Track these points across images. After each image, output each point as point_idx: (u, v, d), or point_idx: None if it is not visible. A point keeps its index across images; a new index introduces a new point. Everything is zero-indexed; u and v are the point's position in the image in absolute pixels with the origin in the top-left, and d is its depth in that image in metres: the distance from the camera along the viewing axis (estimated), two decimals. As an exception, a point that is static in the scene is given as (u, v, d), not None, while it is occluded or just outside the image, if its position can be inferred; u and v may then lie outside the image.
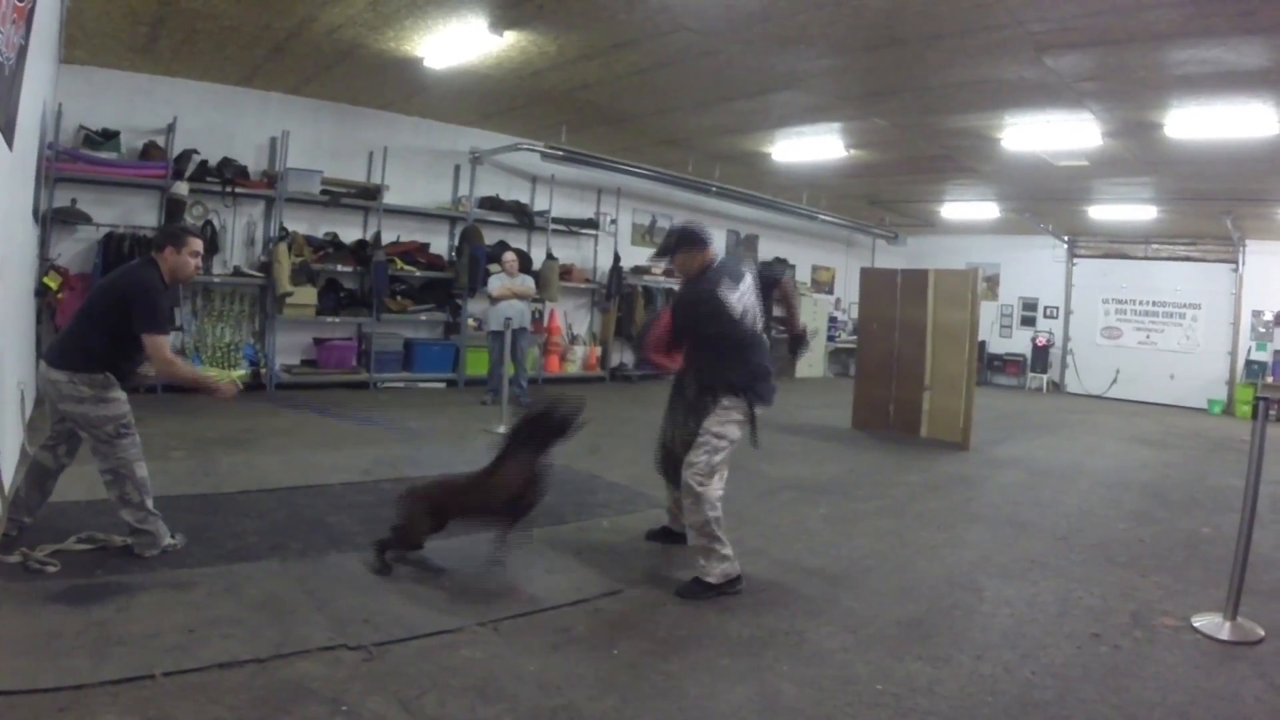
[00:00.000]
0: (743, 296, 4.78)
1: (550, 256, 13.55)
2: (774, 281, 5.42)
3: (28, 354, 7.69)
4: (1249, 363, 16.36)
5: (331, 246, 11.54)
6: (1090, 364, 18.65)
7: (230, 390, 4.89)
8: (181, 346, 9.96)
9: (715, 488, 4.62)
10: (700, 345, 4.88)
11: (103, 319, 4.41)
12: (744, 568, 5.03)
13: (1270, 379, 15.81)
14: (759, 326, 4.89)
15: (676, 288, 5.36)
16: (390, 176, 11.93)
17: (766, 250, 18.72)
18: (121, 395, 4.45)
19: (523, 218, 13.53)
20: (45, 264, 8.87)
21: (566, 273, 14.09)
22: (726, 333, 4.72)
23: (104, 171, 9.56)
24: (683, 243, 4.94)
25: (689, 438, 4.77)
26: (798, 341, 5.74)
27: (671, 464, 5.07)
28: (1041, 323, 19.49)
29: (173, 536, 4.55)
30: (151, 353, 4.43)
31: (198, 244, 4.69)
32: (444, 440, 8.49)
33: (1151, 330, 17.93)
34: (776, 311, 5.78)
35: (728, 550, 4.56)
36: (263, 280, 10.78)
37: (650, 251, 16.00)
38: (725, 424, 4.69)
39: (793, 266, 19.01)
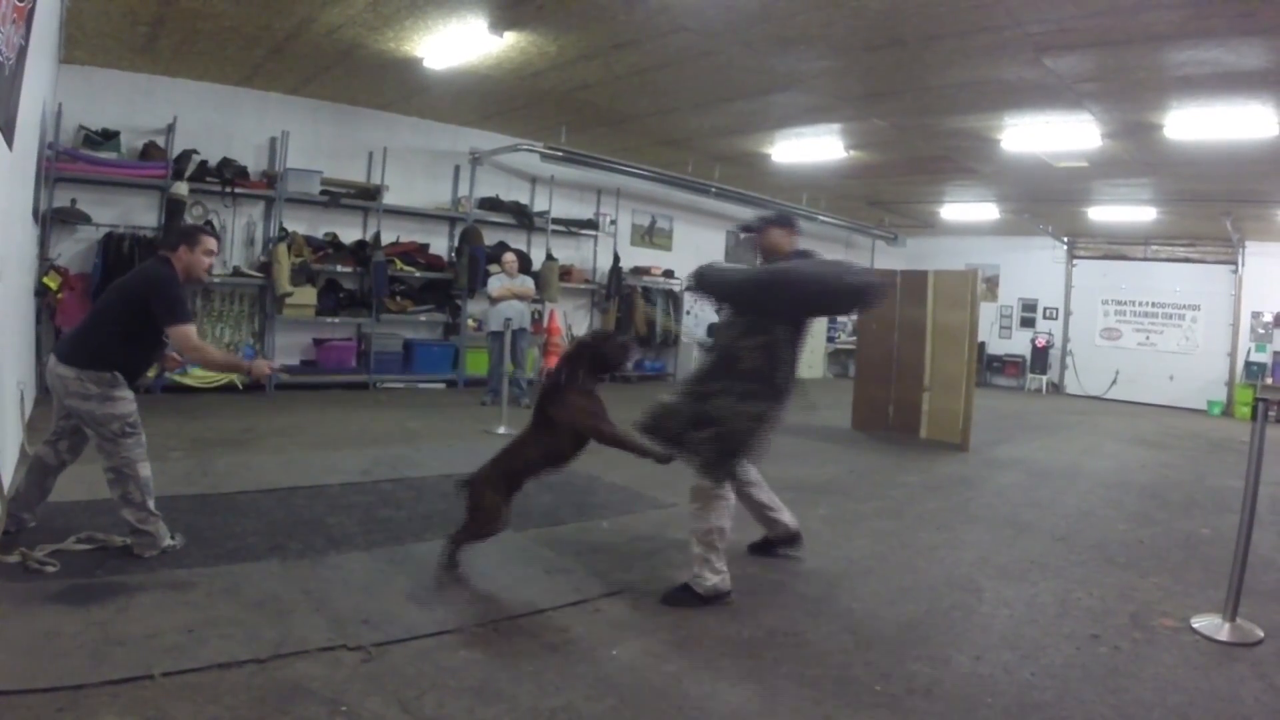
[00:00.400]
0: None
1: (550, 257, 13.56)
2: None
3: (27, 354, 7.70)
4: (1248, 364, 16.38)
5: (331, 247, 11.54)
6: (1090, 365, 18.67)
7: (265, 367, 4.92)
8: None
9: (731, 497, 4.56)
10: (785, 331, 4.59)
11: (117, 318, 4.43)
12: (744, 568, 5.04)
13: (1270, 380, 15.82)
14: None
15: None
16: (390, 177, 11.94)
17: (766, 251, 18.68)
18: (128, 394, 4.46)
19: (522, 218, 13.54)
20: (45, 264, 8.88)
21: (566, 273, 14.11)
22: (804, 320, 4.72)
23: (104, 171, 9.57)
24: (780, 221, 5.12)
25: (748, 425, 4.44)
26: None
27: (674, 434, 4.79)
28: (1041, 324, 19.52)
29: (172, 537, 4.55)
30: (180, 343, 4.48)
31: (212, 243, 4.73)
32: (444, 441, 8.48)
33: (1151, 331, 17.95)
34: None
35: (722, 565, 4.42)
36: (262, 280, 10.79)
37: (650, 252, 16.10)
38: (781, 411, 4.60)
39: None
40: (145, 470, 4.48)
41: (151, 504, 4.46)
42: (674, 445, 4.41)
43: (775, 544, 5.27)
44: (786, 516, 5.21)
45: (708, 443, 4.30)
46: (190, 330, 4.51)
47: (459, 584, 4.42)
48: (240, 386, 10.15)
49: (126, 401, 4.44)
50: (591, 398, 4.49)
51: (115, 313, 4.46)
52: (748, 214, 17.06)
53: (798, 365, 4.60)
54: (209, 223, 10.40)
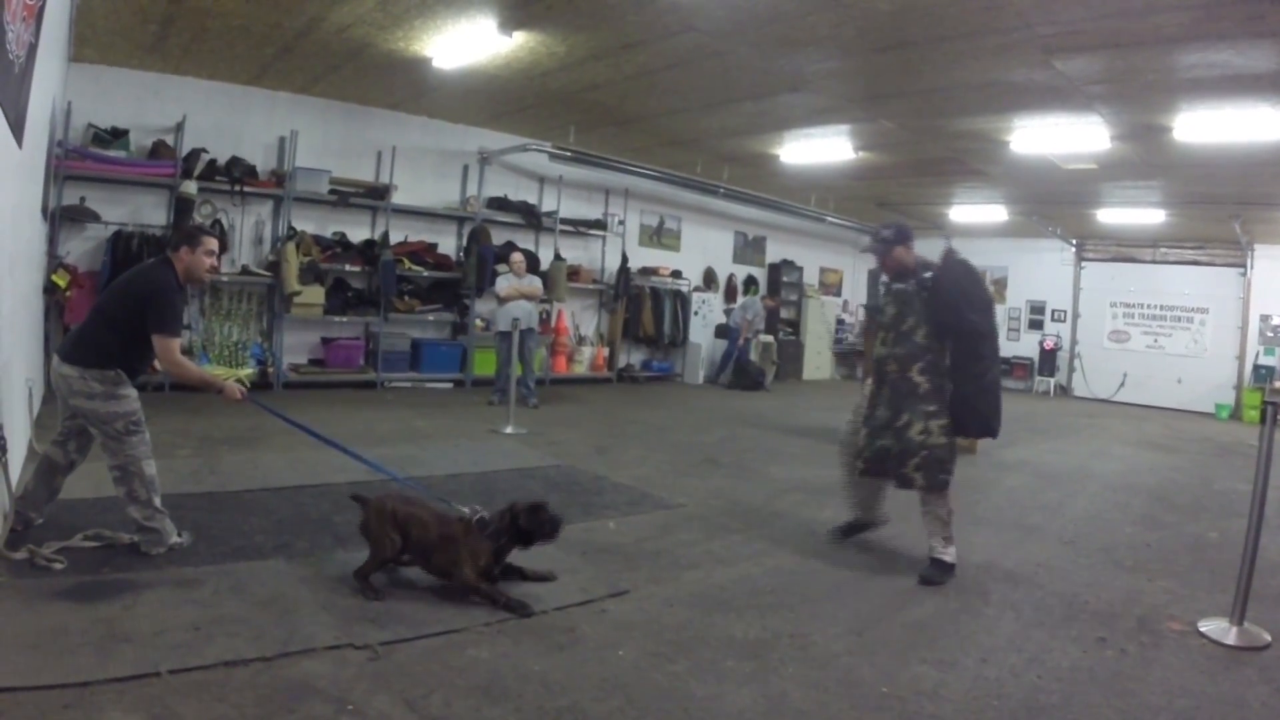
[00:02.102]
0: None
1: (558, 257, 13.57)
2: None
3: (36, 352, 7.72)
4: (1257, 367, 16.31)
5: (339, 246, 11.56)
6: (1098, 367, 18.60)
7: (236, 391, 4.88)
8: (189, 345, 9.96)
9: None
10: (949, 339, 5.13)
11: (117, 318, 4.44)
12: (749, 569, 5.05)
13: (1278, 383, 15.73)
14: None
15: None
16: (398, 176, 11.96)
17: (774, 252, 18.71)
18: (132, 393, 4.47)
19: (531, 218, 13.55)
20: (54, 262, 8.90)
21: (574, 273, 14.11)
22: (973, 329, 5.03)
23: (113, 170, 9.60)
24: (901, 238, 5.28)
25: (946, 439, 5.08)
26: None
27: (879, 461, 5.28)
28: (1049, 326, 19.47)
29: (179, 535, 4.56)
30: (161, 354, 4.45)
31: (213, 244, 4.73)
32: (451, 440, 8.49)
33: (1159, 334, 17.89)
34: None
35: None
36: (270, 279, 10.82)
37: (658, 252, 16.10)
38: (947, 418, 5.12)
39: (800, 268, 19.01)
40: (150, 468, 4.49)
41: (158, 501, 4.47)
42: (899, 484, 5.25)
43: (857, 528, 5.77)
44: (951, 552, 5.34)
45: (915, 472, 5.08)
46: (175, 344, 4.49)
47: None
48: (247, 385, 10.15)
49: (130, 399, 4.46)
50: (491, 558, 4.22)
51: (115, 313, 4.47)
52: (756, 215, 17.25)
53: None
54: (217, 222, 10.44)
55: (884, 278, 5.43)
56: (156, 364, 4.60)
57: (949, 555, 5.08)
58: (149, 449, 4.53)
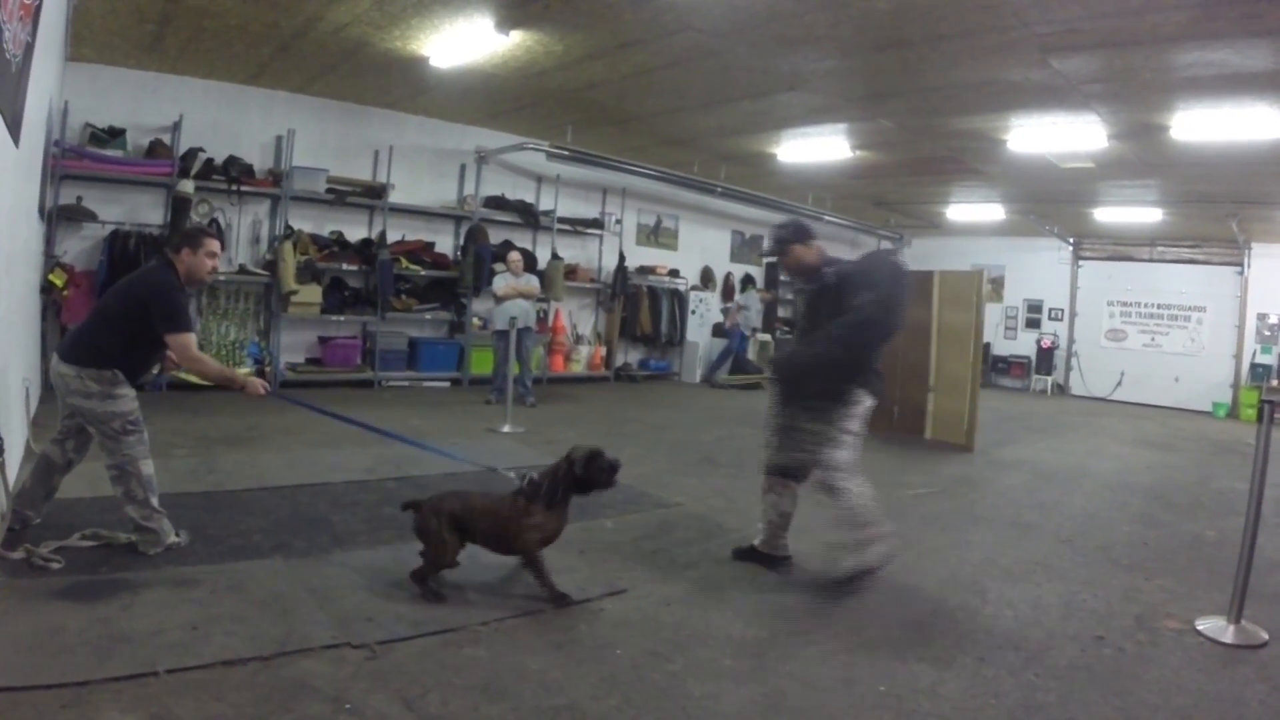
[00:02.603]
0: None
1: (555, 256, 13.57)
2: None
3: (33, 351, 7.71)
4: (1254, 366, 16.33)
5: (337, 245, 11.56)
6: (1095, 366, 18.62)
7: (259, 386, 4.89)
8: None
9: (855, 482, 4.80)
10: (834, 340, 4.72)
11: (118, 320, 4.45)
12: (747, 568, 5.05)
13: (1275, 382, 15.72)
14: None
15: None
16: (395, 175, 11.96)
17: (771, 251, 18.67)
18: (129, 392, 4.47)
19: (528, 217, 13.55)
20: (51, 261, 8.88)
21: (571, 272, 14.11)
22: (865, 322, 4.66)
23: (110, 169, 9.59)
24: (799, 235, 4.97)
25: (818, 437, 4.81)
26: None
27: (794, 466, 5.00)
28: (1046, 325, 19.47)
29: (177, 534, 4.56)
30: (179, 352, 4.49)
31: (215, 245, 4.74)
32: (448, 439, 8.48)
33: (1156, 333, 17.91)
34: None
35: (876, 532, 4.72)
36: (268, 278, 10.81)
37: (656, 251, 16.10)
38: (853, 419, 4.84)
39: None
40: (148, 468, 4.49)
41: (155, 501, 4.47)
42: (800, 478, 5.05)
43: (764, 558, 5.18)
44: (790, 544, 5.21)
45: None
46: (190, 339, 4.52)
47: (458, 583, 4.42)
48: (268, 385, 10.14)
49: (128, 399, 4.46)
50: (558, 520, 4.32)
51: (116, 315, 4.48)
52: (754, 214, 17.24)
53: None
54: (214, 221, 10.43)
55: (783, 277, 5.35)
56: (173, 357, 4.60)
57: (861, 560, 4.66)
58: (146, 448, 4.53)
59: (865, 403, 4.85)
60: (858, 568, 4.61)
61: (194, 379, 9.07)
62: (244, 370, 10.03)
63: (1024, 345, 19.57)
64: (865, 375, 4.80)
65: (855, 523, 4.71)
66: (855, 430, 4.82)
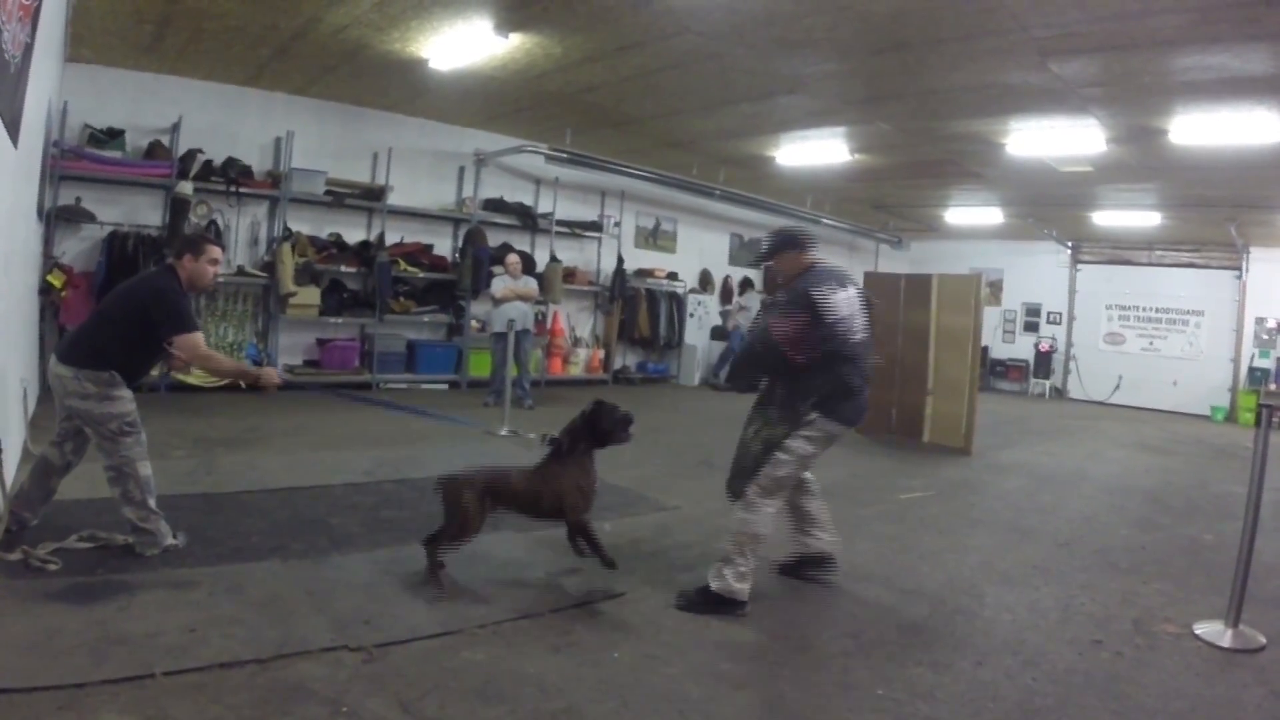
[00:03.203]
0: (846, 302, 4.45)
1: (554, 259, 13.56)
2: (868, 303, 4.81)
3: (31, 352, 7.71)
4: (1252, 369, 16.34)
5: (335, 247, 11.55)
6: (1093, 370, 18.63)
7: (274, 377, 4.99)
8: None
9: (770, 506, 4.52)
10: (799, 353, 4.44)
11: (118, 324, 4.46)
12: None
13: (1273, 386, 15.76)
14: (858, 338, 4.51)
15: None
16: (394, 177, 11.95)
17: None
18: (127, 394, 4.48)
19: (526, 220, 13.55)
20: (49, 262, 8.87)
21: (570, 275, 14.10)
22: (827, 338, 4.38)
23: (108, 170, 9.58)
24: (786, 244, 4.81)
25: (761, 448, 4.53)
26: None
27: (741, 474, 4.67)
28: (1045, 328, 19.47)
29: (174, 536, 4.55)
30: (188, 352, 4.50)
31: (217, 252, 4.76)
32: (446, 442, 8.48)
33: (1155, 336, 17.92)
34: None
35: (747, 572, 4.41)
36: (266, 280, 10.80)
37: (654, 254, 16.10)
38: (797, 438, 4.47)
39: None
40: (145, 469, 4.50)
41: (153, 502, 4.47)
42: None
43: (804, 565, 5.03)
44: (827, 537, 5.00)
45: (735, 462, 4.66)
46: (198, 339, 4.54)
47: (456, 585, 4.41)
48: (243, 386, 10.13)
49: (125, 400, 4.46)
50: (587, 475, 4.45)
51: (116, 318, 4.49)
52: (752, 217, 17.25)
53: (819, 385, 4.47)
54: (213, 222, 10.42)
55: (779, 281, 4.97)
56: (181, 357, 4.60)
57: (719, 582, 4.39)
58: (144, 450, 4.53)
59: (820, 425, 4.48)
60: (718, 590, 4.37)
61: (193, 380, 9.10)
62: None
63: (1022, 349, 19.58)
64: (823, 396, 4.44)
65: (738, 545, 4.45)
66: (799, 452, 4.48)
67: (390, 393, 11.60)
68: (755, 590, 4.55)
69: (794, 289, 4.57)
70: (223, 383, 9.91)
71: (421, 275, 12.34)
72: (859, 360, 4.55)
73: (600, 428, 4.45)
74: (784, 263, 4.80)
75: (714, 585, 4.39)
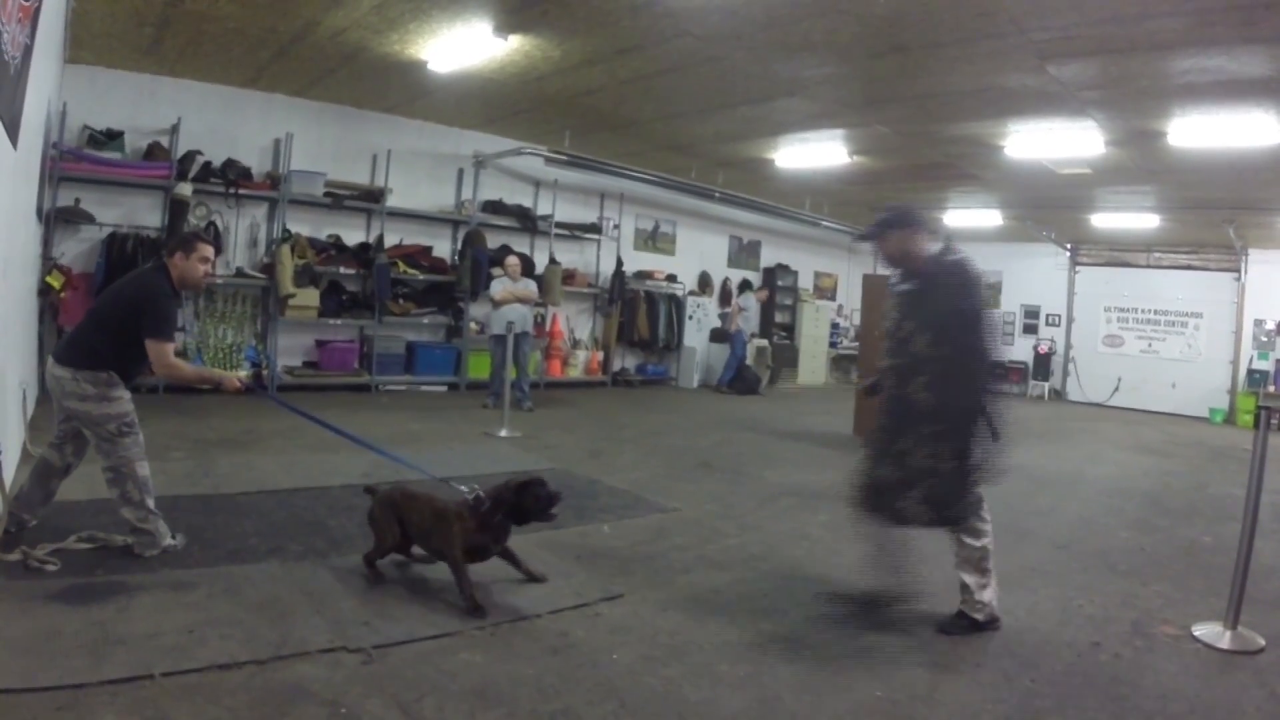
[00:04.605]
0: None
1: (553, 261, 13.56)
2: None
3: (30, 353, 7.70)
4: (1250, 372, 16.34)
5: (334, 249, 11.55)
6: (1092, 372, 18.64)
7: (233, 382, 4.90)
8: (183, 347, 9.93)
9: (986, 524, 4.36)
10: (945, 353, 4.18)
11: (111, 323, 4.46)
12: (744, 574, 5.04)
13: (1272, 388, 15.78)
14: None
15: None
16: (393, 179, 11.95)
17: (769, 256, 18.73)
18: (125, 395, 4.48)
19: (526, 222, 13.55)
20: (48, 263, 8.87)
21: (569, 277, 14.10)
22: (979, 335, 4.18)
23: (108, 171, 9.58)
24: (899, 221, 4.46)
25: (928, 470, 4.21)
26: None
27: (888, 507, 4.36)
28: (1043, 330, 19.48)
29: (173, 537, 4.55)
30: (154, 358, 4.47)
31: (208, 250, 4.75)
32: (445, 443, 8.49)
33: (1153, 339, 17.92)
34: None
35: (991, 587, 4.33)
36: (265, 282, 10.80)
37: (653, 256, 16.09)
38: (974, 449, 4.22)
39: (795, 273, 19.00)
40: (143, 469, 4.50)
41: (151, 503, 4.47)
42: (895, 520, 4.35)
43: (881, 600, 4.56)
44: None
45: (920, 505, 4.24)
46: (167, 349, 4.50)
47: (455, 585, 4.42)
48: (244, 383, 10.13)
49: (123, 401, 4.47)
50: (487, 535, 4.30)
51: (108, 317, 4.50)
52: (751, 219, 17.26)
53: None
54: (211, 224, 10.43)
55: (886, 273, 4.76)
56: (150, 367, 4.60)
57: (975, 609, 4.29)
58: (142, 450, 4.54)
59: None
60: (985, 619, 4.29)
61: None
62: (241, 373, 10.06)
63: (1021, 351, 19.56)
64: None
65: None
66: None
67: (389, 395, 11.61)
68: (753, 594, 4.56)
69: (941, 278, 4.27)
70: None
71: (421, 277, 12.34)
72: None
73: (524, 505, 4.29)
74: (894, 244, 4.48)
75: (974, 615, 4.29)
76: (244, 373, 10.17)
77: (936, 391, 4.18)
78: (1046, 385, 18.92)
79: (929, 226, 4.46)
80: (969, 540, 4.33)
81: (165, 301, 4.54)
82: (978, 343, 4.21)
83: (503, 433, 8.98)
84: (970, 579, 4.32)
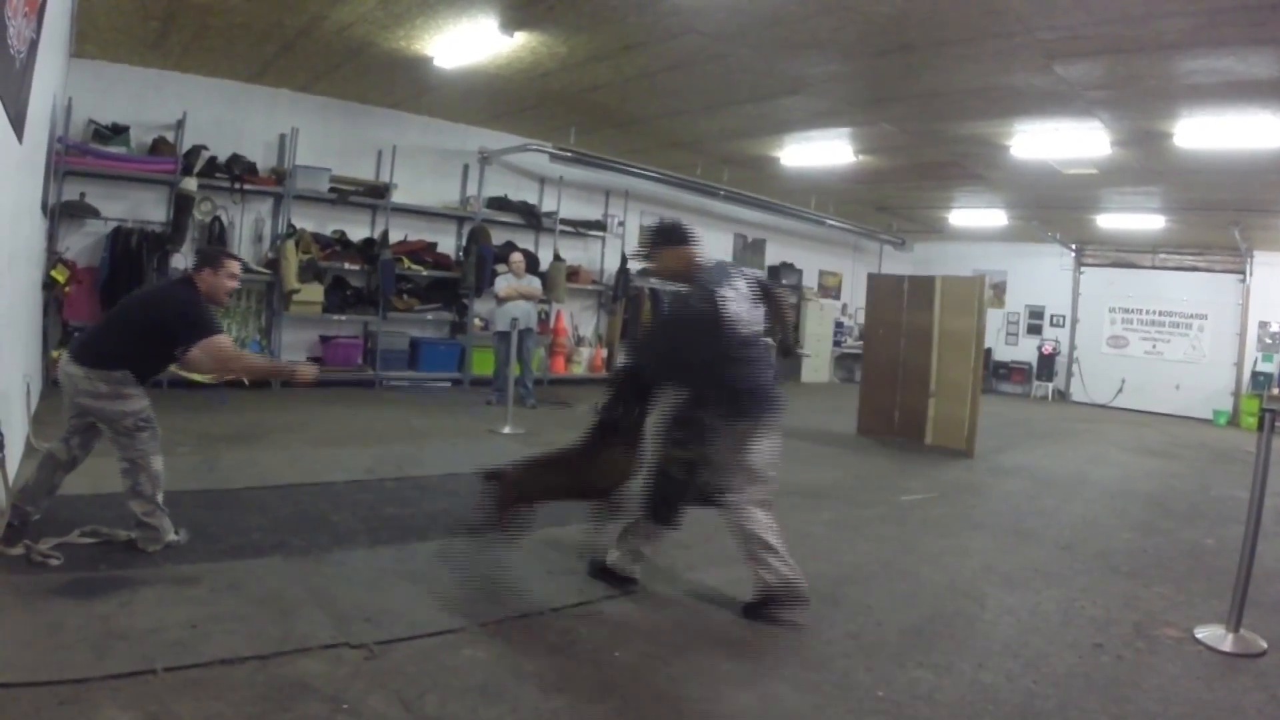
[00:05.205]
0: (737, 300, 4.26)
1: (557, 258, 13.56)
2: (768, 292, 4.67)
3: (34, 347, 7.71)
4: (1255, 374, 16.32)
5: (339, 244, 11.55)
6: (1096, 373, 18.61)
7: (310, 374, 5.07)
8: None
9: (759, 514, 4.34)
10: (696, 360, 4.26)
11: (134, 332, 4.52)
12: (746, 572, 5.02)
13: (1276, 390, 15.74)
14: (754, 333, 4.34)
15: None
16: (398, 175, 11.95)
17: (774, 255, 18.72)
18: (139, 392, 4.54)
19: (530, 218, 13.55)
20: (53, 257, 8.89)
21: (573, 274, 14.08)
22: (725, 342, 4.18)
23: (113, 166, 9.59)
24: (667, 238, 4.53)
25: (691, 467, 4.33)
26: (786, 352, 5.28)
27: (668, 503, 4.51)
28: (1048, 331, 19.46)
29: (176, 532, 4.56)
30: (217, 355, 4.57)
31: (235, 267, 4.83)
32: (449, 440, 8.49)
33: (1158, 340, 17.90)
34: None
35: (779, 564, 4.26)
36: (270, 277, 10.81)
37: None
38: (741, 449, 4.29)
39: (799, 271, 18.98)
40: (158, 464, 4.54)
41: (160, 498, 4.50)
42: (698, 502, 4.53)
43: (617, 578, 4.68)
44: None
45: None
46: (224, 341, 4.62)
47: (457, 585, 4.42)
48: (246, 382, 10.16)
49: (138, 398, 4.51)
50: (631, 454, 4.40)
51: (134, 327, 4.55)
52: (756, 217, 17.25)
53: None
54: (217, 219, 10.44)
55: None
56: (207, 362, 4.65)
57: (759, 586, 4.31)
58: (158, 445, 4.59)
59: (728, 426, 4.26)
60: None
61: (197, 377, 9.09)
62: (311, 367, 10.06)
63: (1025, 351, 19.57)
64: (722, 401, 4.26)
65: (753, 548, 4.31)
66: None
67: (393, 391, 11.62)
68: (751, 589, 4.56)
69: (689, 293, 4.39)
70: (225, 379, 9.91)
71: (425, 273, 12.35)
72: (757, 356, 4.33)
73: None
74: (665, 261, 4.57)
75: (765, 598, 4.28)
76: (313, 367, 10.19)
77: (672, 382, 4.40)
78: (1050, 386, 18.91)
79: (694, 241, 4.55)
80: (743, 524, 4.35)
81: (197, 307, 4.59)
82: (708, 345, 4.21)
83: (506, 429, 8.98)
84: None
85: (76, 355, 4.47)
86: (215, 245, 9.51)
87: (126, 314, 4.68)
